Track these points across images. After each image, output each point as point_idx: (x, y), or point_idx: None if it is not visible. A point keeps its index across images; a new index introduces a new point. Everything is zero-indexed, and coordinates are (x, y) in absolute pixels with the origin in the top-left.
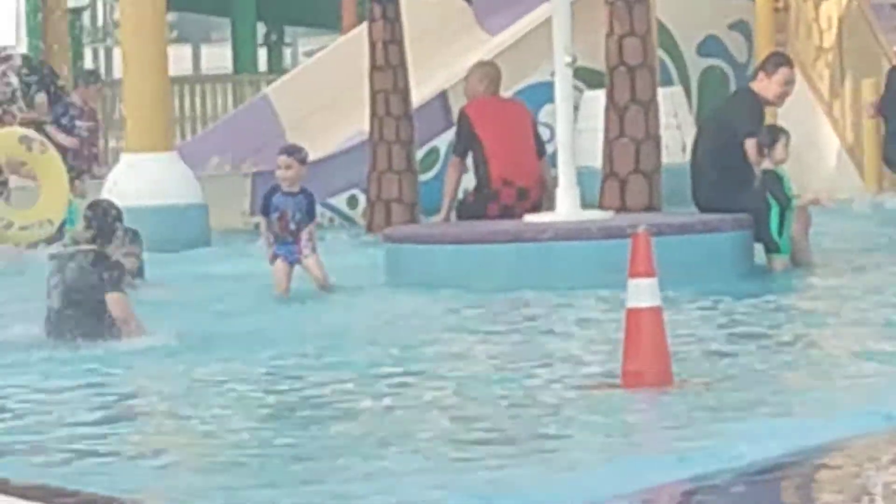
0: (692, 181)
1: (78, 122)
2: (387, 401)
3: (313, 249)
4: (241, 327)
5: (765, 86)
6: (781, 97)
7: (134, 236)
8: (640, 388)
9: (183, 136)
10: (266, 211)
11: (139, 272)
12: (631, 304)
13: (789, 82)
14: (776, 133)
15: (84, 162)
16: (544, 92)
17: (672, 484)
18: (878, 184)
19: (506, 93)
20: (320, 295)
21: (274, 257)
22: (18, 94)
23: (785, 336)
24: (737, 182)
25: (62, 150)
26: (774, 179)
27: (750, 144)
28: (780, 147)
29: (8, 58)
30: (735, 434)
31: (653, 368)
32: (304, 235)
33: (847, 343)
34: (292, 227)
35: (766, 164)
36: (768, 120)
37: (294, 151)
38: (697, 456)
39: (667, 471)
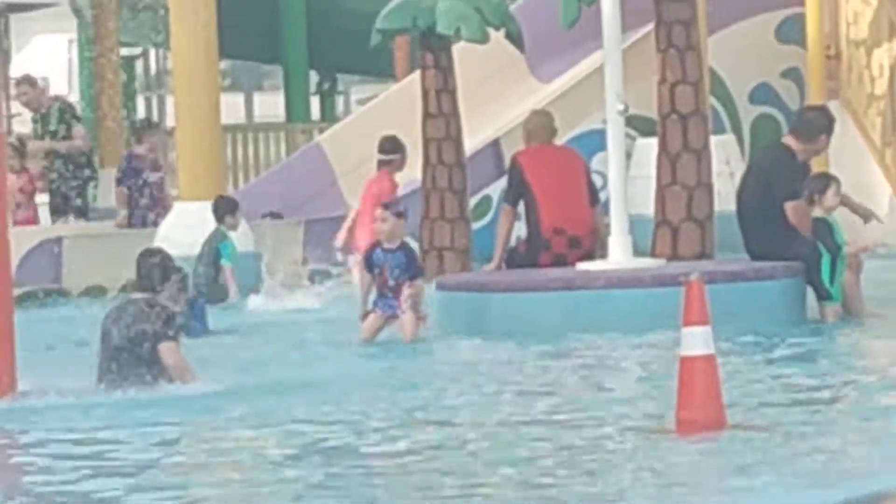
0: (741, 231)
1: (146, 176)
2: (439, 442)
3: (412, 307)
4: (296, 376)
5: (801, 149)
6: (820, 151)
7: (182, 283)
8: (693, 435)
9: (235, 184)
10: (366, 264)
11: (204, 326)
12: (685, 352)
13: (818, 153)
14: (827, 180)
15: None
16: (597, 140)
17: None
18: None
19: (558, 141)
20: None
21: (366, 314)
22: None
23: (835, 387)
24: (785, 231)
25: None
26: (825, 227)
27: (789, 206)
28: (830, 194)
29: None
30: (786, 482)
31: (706, 416)
32: (404, 290)
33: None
34: (391, 283)
35: (817, 212)
36: (820, 168)
37: (390, 205)
38: (748, 500)
39: None
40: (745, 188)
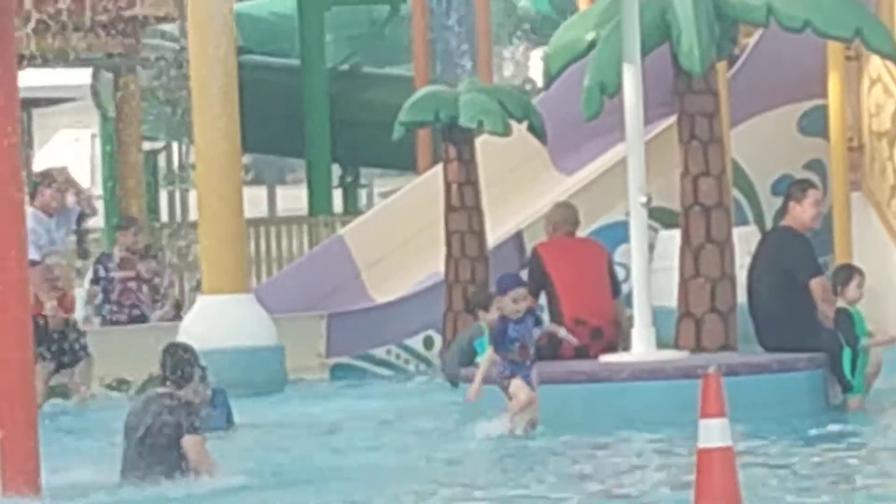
0: (755, 324)
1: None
2: None
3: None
4: (318, 470)
5: (798, 213)
6: (817, 218)
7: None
8: None
9: (259, 278)
10: (500, 344)
11: (229, 418)
12: (702, 444)
13: (819, 202)
14: (850, 272)
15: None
16: (619, 232)
17: None
18: None
19: (581, 232)
20: (404, 439)
21: (509, 378)
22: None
23: (857, 481)
24: (803, 323)
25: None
26: (846, 318)
27: (816, 284)
28: (853, 286)
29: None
30: None
31: None
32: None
33: None
34: (532, 350)
35: (840, 303)
36: (843, 259)
37: (525, 283)
38: None
39: None
40: (757, 278)
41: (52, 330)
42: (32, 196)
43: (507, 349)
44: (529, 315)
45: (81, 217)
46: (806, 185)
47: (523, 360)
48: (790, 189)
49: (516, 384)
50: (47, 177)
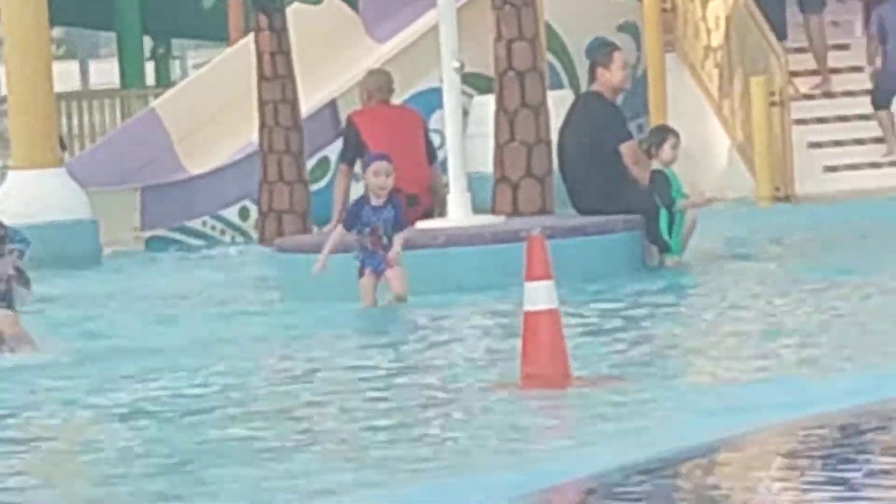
0: (567, 187)
1: None
2: (285, 407)
3: (399, 262)
4: (130, 343)
5: (608, 78)
6: (625, 80)
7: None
8: (538, 389)
9: (72, 152)
10: (351, 225)
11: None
12: (528, 306)
13: (626, 63)
14: (664, 134)
15: None
16: (434, 98)
17: (570, 484)
18: (770, 182)
19: (396, 100)
20: (216, 308)
21: (361, 272)
22: None
23: (675, 336)
24: (614, 186)
25: None
26: (661, 180)
27: (625, 148)
28: (667, 147)
29: None
30: (630, 433)
31: (551, 370)
32: (395, 244)
33: (729, 344)
34: (385, 241)
35: (655, 165)
36: (659, 121)
37: (390, 158)
38: (593, 455)
39: (563, 470)
40: (566, 144)
41: None
42: None
43: (360, 232)
44: (391, 206)
45: None
46: (610, 48)
47: (375, 250)
48: (595, 55)
49: (363, 282)
50: None
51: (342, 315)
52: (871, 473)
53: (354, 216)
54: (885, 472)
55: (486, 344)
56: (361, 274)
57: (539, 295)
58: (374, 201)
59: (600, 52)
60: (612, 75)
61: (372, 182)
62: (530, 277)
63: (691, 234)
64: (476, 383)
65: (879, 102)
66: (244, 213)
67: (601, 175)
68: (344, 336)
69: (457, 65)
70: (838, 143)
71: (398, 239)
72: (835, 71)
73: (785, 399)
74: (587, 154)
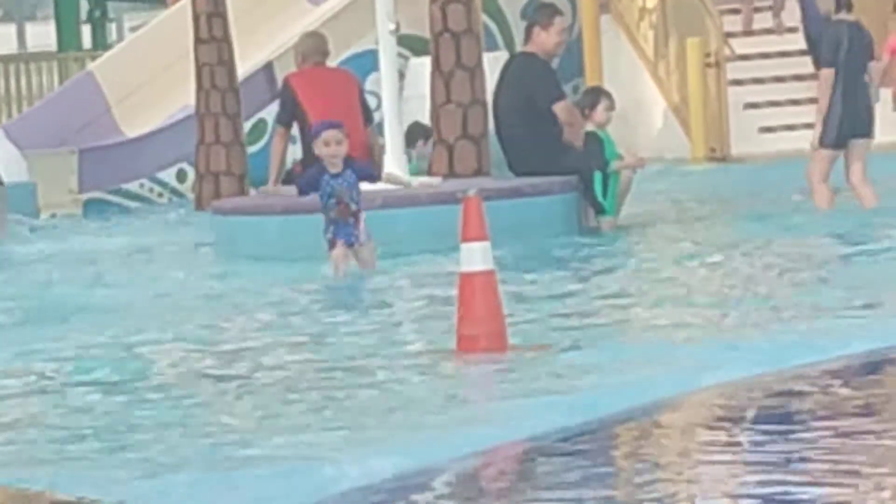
0: (503, 149)
1: None
2: (214, 372)
3: (369, 236)
4: (64, 303)
5: (543, 39)
6: (560, 45)
7: None
8: (474, 351)
9: (9, 115)
10: (306, 192)
11: None
12: (464, 268)
13: (564, 29)
14: (597, 95)
15: None
16: (370, 60)
17: (505, 446)
18: (705, 143)
19: (331, 62)
20: (157, 271)
21: (333, 243)
22: None
23: (613, 298)
24: (549, 147)
25: None
26: (595, 142)
27: (559, 108)
28: (600, 109)
29: None
30: (565, 396)
31: (487, 331)
32: (362, 217)
33: (664, 307)
34: (353, 207)
35: (589, 127)
36: (594, 82)
37: (340, 125)
38: (529, 418)
39: (499, 434)
40: (501, 105)
41: None
42: None
43: (325, 205)
44: (351, 171)
45: None
46: (552, 11)
47: (344, 219)
48: (536, 14)
49: (335, 253)
50: None
51: (277, 276)
52: (802, 439)
53: (312, 183)
54: (818, 436)
55: (422, 306)
56: (332, 245)
57: (475, 256)
58: (332, 169)
59: (542, 12)
60: (549, 37)
61: (323, 152)
62: (466, 238)
63: (626, 196)
64: (412, 346)
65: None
66: (181, 176)
67: (536, 136)
68: (279, 299)
69: (392, 27)
70: (774, 104)
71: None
72: (770, 31)
73: (718, 360)
74: (521, 115)
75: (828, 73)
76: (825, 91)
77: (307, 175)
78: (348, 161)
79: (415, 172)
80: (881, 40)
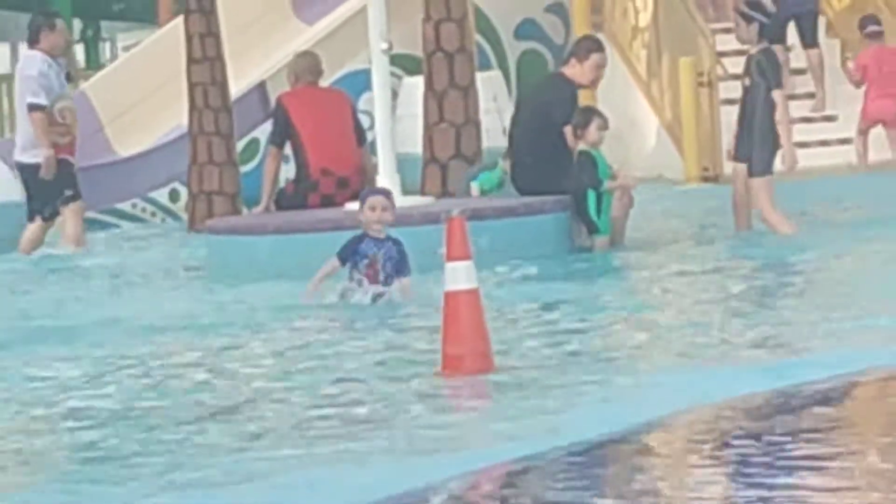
0: (511, 165)
1: None
2: (198, 393)
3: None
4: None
5: (577, 71)
6: (594, 82)
7: None
8: (460, 371)
9: (1, 134)
10: (347, 257)
11: None
12: (448, 287)
13: (601, 66)
14: (589, 115)
15: None
16: (363, 80)
17: (490, 468)
18: (698, 162)
19: (324, 82)
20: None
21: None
22: None
23: (602, 319)
24: (555, 166)
25: None
26: (587, 161)
27: (569, 131)
28: (593, 128)
29: None
30: (553, 416)
31: (472, 351)
32: (395, 285)
33: (655, 330)
34: (382, 277)
35: (581, 146)
36: (587, 101)
37: (389, 192)
38: (517, 438)
39: (490, 454)
40: (518, 120)
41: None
42: (33, 41)
43: (356, 263)
44: (393, 243)
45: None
46: (591, 46)
47: (369, 283)
48: (576, 45)
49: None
50: (49, 18)
51: (271, 297)
52: (782, 457)
53: (351, 249)
54: (798, 456)
55: (409, 326)
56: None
57: (459, 275)
58: (375, 234)
59: (581, 45)
60: (583, 72)
61: (369, 217)
62: (450, 258)
63: (628, 215)
64: (396, 365)
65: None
66: (174, 196)
67: (545, 155)
68: (270, 319)
69: (385, 46)
70: None
71: (405, 284)
72: None
73: (703, 386)
74: (535, 133)
75: (783, 94)
76: (786, 113)
77: (347, 242)
78: (397, 239)
79: (496, 182)
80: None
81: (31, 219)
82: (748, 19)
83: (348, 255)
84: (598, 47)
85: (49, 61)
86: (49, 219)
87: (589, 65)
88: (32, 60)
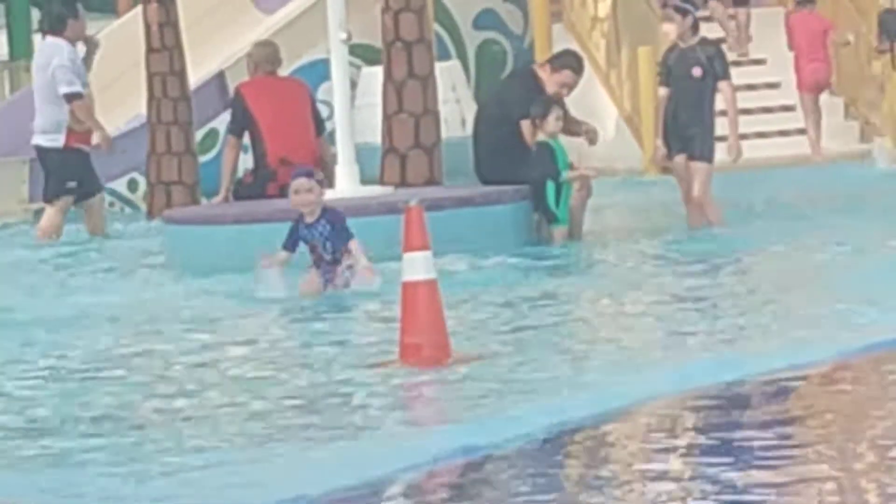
0: (474, 155)
1: None
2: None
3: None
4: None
5: (546, 77)
6: (557, 95)
7: None
8: (417, 361)
9: None
10: (292, 246)
11: None
12: (406, 277)
13: (567, 85)
14: (548, 105)
15: None
16: (322, 69)
17: (448, 456)
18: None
19: (283, 71)
20: (98, 279)
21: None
22: None
23: (560, 311)
24: (515, 156)
25: None
26: (546, 151)
27: (525, 125)
28: (552, 119)
29: None
30: (508, 409)
31: (430, 341)
32: (344, 260)
33: (618, 320)
34: (327, 257)
35: (540, 137)
36: None
37: (312, 173)
38: (473, 428)
39: (444, 443)
40: (482, 110)
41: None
42: (57, 29)
43: (293, 251)
44: (326, 220)
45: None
46: (568, 61)
47: (318, 265)
48: (559, 55)
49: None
50: (70, 6)
51: (227, 286)
52: (736, 448)
53: (293, 239)
54: (751, 448)
55: (366, 316)
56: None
57: (417, 265)
58: (307, 218)
59: (561, 58)
60: (550, 81)
61: (294, 201)
62: (408, 248)
63: (584, 209)
64: (354, 355)
65: None
66: (133, 185)
67: (504, 144)
68: (226, 309)
69: (344, 36)
70: (725, 114)
71: (357, 250)
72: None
73: (659, 378)
74: (496, 122)
75: (731, 85)
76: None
77: (288, 232)
78: (326, 212)
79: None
80: None
81: (48, 201)
82: (683, 12)
83: (292, 244)
84: (577, 67)
85: (73, 49)
86: (81, 200)
87: (557, 78)
88: (58, 48)
